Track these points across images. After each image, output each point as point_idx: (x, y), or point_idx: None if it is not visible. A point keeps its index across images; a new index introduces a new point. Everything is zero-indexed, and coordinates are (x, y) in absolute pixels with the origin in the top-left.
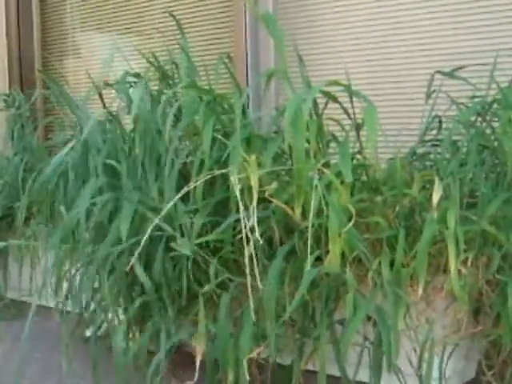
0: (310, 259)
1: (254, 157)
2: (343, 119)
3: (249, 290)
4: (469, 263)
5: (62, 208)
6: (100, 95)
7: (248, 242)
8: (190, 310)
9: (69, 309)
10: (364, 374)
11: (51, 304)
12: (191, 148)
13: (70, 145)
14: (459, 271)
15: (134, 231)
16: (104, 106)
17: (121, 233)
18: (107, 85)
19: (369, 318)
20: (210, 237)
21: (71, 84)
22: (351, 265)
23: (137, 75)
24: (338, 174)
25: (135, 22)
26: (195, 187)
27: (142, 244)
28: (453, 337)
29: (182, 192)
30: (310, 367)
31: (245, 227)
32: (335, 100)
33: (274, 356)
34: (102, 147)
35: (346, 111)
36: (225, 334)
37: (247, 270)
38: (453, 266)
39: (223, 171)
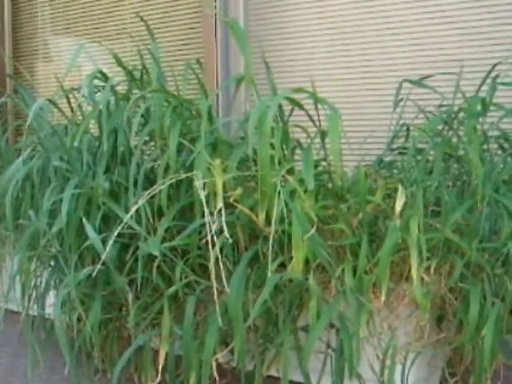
0: (272, 265)
1: (218, 161)
2: (310, 126)
3: (215, 293)
4: (432, 271)
5: (31, 213)
6: (67, 98)
7: (213, 246)
8: (153, 310)
9: (34, 313)
10: (327, 381)
11: (15, 308)
12: (158, 152)
13: (28, 151)
14: (422, 279)
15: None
16: (71, 110)
17: (62, 214)
18: (73, 89)
19: (332, 325)
20: (176, 242)
21: (41, 89)
22: (315, 271)
23: (103, 75)
24: (302, 181)
25: (106, 28)
26: (160, 192)
27: (111, 241)
28: (416, 344)
29: (148, 194)
30: (273, 373)
31: (210, 231)
32: (300, 107)
33: (241, 359)
34: (58, 151)
35: (311, 118)
36: (189, 337)
37: (212, 274)
38: (415, 273)
39: (188, 175)
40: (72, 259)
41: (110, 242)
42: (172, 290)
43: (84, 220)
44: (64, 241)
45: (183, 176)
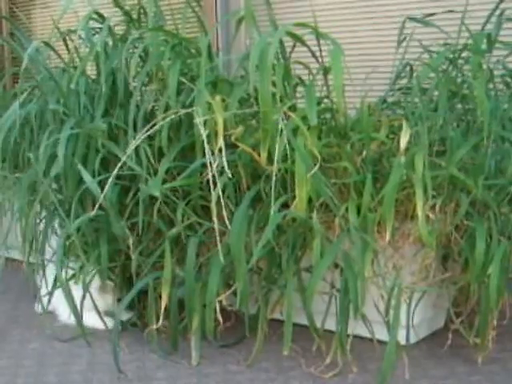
0: (275, 203)
1: (218, 98)
2: (312, 62)
3: (216, 232)
4: (437, 209)
5: (31, 156)
6: (64, 40)
7: (215, 185)
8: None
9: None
10: (332, 324)
11: (16, 256)
12: (157, 92)
13: (24, 95)
14: (427, 217)
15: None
16: (68, 52)
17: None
18: (70, 31)
19: (336, 266)
20: (177, 183)
21: (38, 33)
22: (318, 211)
23: (100, 17)
24: (305, 118)
25: None
26: (161, 133)
27: (110, 182)
28: (421, 284)
29: (147, 131)
30: (278, 316)
31: (211, 170)
32: (302, 42)
33: (244, 301)
34: (55, 94)
35: (313, 54)
36: (192, 279)
37: (214, 214)
38: (420, 210)
39: (188, 110)
40: (72, 203)
41: (109, 182)
42: (174, 231)
43: (79, 166)
44: (63, 185)
45: (183, 112)
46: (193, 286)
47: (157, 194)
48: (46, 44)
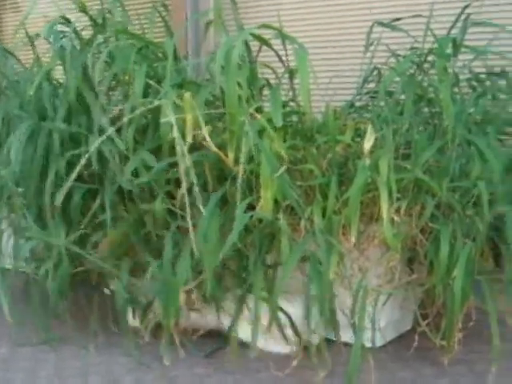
0: (241, 204)
1: (188, 94)
2: (280, 67)
3: (190, 229)
4: (402, 211)
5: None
6: (32, 44)
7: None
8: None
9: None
10: None
11: None
12: (124, 96)
13: None
14: (392, 220)
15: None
16: (35, 56)
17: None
18: (37, 35)
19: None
20: (142, 179)
21: (9, 38)
22: (284, 213)
23: (66, 20)
24: (271, 120)
25: None
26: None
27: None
28: (387, 286)
29: (113, 129)
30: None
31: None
32: (266, 44)
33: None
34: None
35: (278, 56)
36: (169, 273)
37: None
38: (385, 213)
39: (156, 104)
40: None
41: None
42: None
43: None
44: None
45: (150, 106)
46: (168, 280)
47: (129, 187)
48: (6, 50)
